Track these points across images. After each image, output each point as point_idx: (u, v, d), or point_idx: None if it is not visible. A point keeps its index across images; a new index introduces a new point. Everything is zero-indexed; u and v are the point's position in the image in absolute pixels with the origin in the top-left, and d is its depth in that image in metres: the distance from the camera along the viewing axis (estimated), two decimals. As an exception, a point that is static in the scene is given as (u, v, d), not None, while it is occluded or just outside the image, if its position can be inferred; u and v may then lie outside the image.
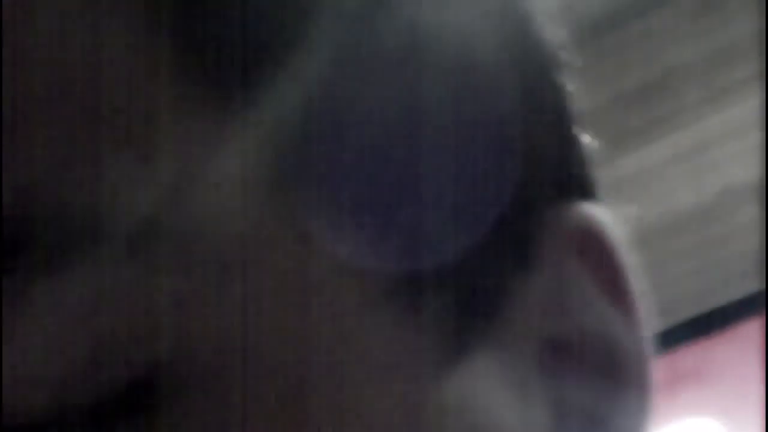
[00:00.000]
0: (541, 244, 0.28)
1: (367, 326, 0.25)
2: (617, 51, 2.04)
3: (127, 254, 0.23)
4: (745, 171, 1.94)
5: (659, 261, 1.97)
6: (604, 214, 0.30)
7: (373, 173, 0.26)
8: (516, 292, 0.27)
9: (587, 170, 0.31)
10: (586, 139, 0.32)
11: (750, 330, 1.91)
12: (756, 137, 1.93)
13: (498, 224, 0.27)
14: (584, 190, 0.31)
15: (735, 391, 1.90)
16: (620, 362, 0.29)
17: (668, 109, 2.00)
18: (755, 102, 1.94)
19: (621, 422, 0.28)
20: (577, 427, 0.28)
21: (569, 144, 0.31)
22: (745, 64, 1.95)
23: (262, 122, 0.24)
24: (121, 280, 0.23)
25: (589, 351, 0.28)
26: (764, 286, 1.87)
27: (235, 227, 0.24)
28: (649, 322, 0.30)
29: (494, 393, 0.26)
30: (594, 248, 0.29)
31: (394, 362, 0.25)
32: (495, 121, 0.28)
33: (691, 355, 1.95)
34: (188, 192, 0.24)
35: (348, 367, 0.24)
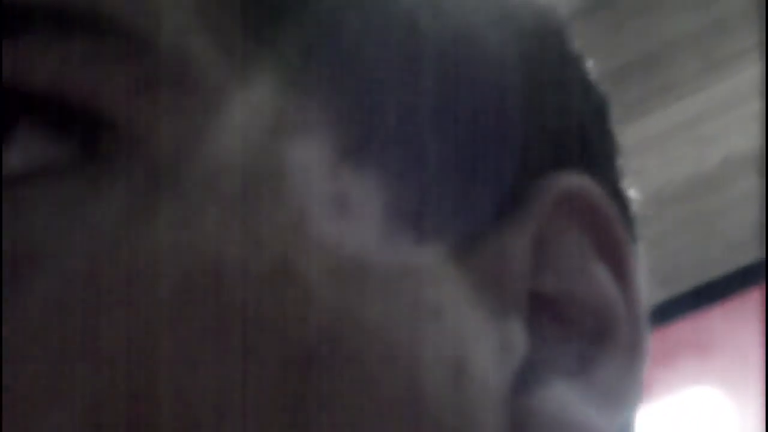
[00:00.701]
0: (531, 199, 0.30)
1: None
2: (616, 23, 2.04)
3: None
4: (746, 141, 1.94)
5: (661, 232, 1.97)
6: (602, 186, 0.31)
7: (380, 112, 0.28)
8: (502, 233, 0.29)
9: (594, 143, 0.33)
10: (600, 111, 0.33)
11: (750, 300, 1.92)
12: (756, 107, 1.93)
13: (492, 173, 0.29)
14: (588, 162, 0.32)
15: (735, 361, 1.90)
16: (610, 325, 0.29)
17: (668, 80, 1.99)
18: (755, 71, 1.93)
19: (606, 383, 0.29)
20: (557, 380, 0.29)
21: (572, 116, 0.32)
22: (743, 33, 1.95)
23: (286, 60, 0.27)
24: None
25: (578, 312, 0.29)
26: (764, 256, 1.88)
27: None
28: (646, 290, 0.31)
29: (465, 307, 0.28)
30: (587, 215, 0.30)
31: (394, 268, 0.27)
32: (497, 87, 0.30)
33: (691, 325, 1.95)
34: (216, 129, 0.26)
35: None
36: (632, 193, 0.34)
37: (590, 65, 0.33)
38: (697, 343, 1.95)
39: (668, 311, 1.95)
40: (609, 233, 0.30)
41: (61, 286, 0.24)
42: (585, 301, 0.30)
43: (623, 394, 0.29)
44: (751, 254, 1.92)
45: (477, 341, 0.28)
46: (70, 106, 0.25)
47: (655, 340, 1.97)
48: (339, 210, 0.26)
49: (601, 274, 0.30)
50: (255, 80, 0.27)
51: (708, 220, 1.97)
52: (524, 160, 0.30)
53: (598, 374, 0.29)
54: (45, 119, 0.25)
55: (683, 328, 1.95)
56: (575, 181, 0.30)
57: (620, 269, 0.30)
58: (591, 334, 0.30)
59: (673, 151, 1.99)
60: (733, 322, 1.93)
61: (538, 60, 0.32)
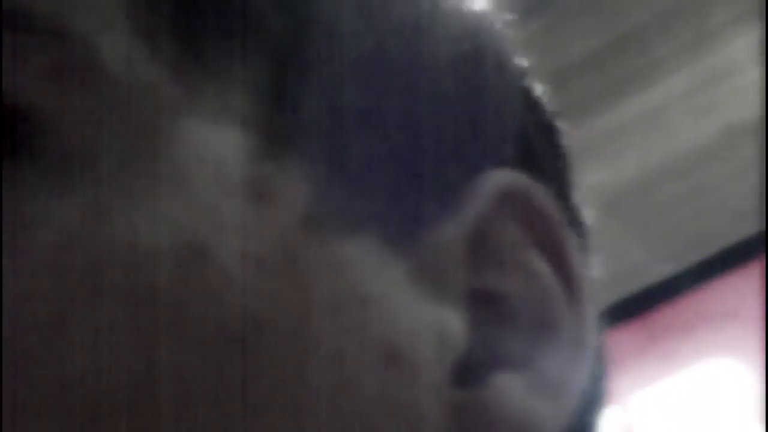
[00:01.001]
0: (470, 194, 0.30)
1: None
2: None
3: None
4: (746, 109, 1.94)
5: (661, 204, 1.99)
6: (546, 189, 0.32)
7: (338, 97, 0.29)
8: (439, 226, 0.30)
9: (537, 149, 0.33)
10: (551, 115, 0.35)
11: (750, 272, 1.95)
12: (754, 75, 1.92)
13: (431, 164, 0.30)
14: (531, 166, 0.33)
15: (738, 332, 1.95)
16: (552, 319, 0.30)
17: (666, 50, 1.96)
18: (753, 39, 1.91)
19: (550, 376, 0.30)
20: (500, 374, 0.29)
21: (511, 120, 0.33)
22: (739, 1, 1.92)
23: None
24: None
25: (519, 306, 0.30)
26: (765, 228, 1.90)
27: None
28: (593, 290, 0.32)
29: (400, 298, 0.28)
30: (527, 213, 0.31)
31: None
32: (430, 85, 0.31)
33: (694, 299, 1.99)
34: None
35: None
36: (584, 205, 0.35)
37: (534, 81, 0.35)
38: (703, 317, 1.99)
39: (670, 287, 1.99)
40: (549, 231, 0.31)
41: None
42: (526, 296, 0.30)
43: (568, 387, 0.30)
44: (751, 226, 1.94)
45: (412, 331, 0.28)
46: None
47: (661, 315, 2.01)
48: (258, 197, 0.27)
49: (542, 270, 0.31)
50: (173, 70, 0.28)
51: (709, 191, 1.98)
52: (460, 157, 0.31)
53: (541, 367, 0.30)
54: None
55: (686, 303, 1.99)
56: (515, 178, 0.31)
57: (562, 267, 0.31)
58: (533, 328, 0.30)
59: (673, 122, 1.98)
60: (734, 295, 1.97)
61: (474, 63, 0.32)
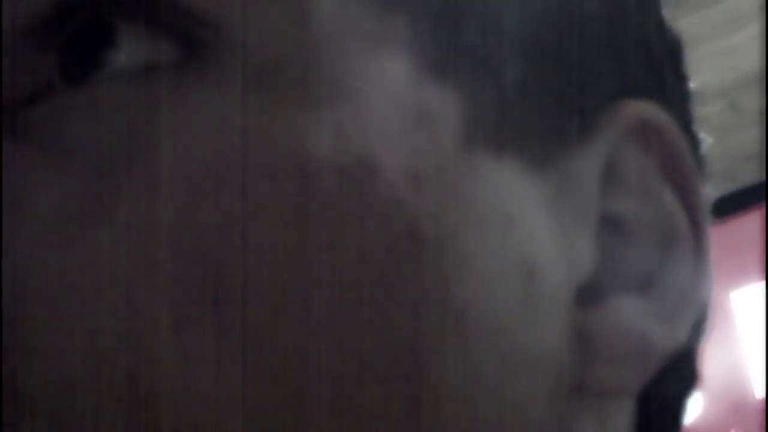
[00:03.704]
0: (605, 123, 0.32)
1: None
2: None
3: None
4: (747, 62, 1.96)
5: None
6: (674, 121, 0.33)
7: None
8: (575, 152, 0.31)
9: (668, 80, 0.35)
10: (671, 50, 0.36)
11: (748, 223, 1.98)
12: (756, 28, 1.95)
13: (574, 91, 0.31)
14: (661, 97, 0.34)
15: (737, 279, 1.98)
16: (675, 245, 0.31)
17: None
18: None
19: (671, 296, 0.31)
20: (623, 295, 0.30)
21: (648, 51, 0.34)
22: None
23: None
24: None
25: (645, 231, 0.31)
26: (765, 177, 1.93)
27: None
28: (708, 195, 0.33)
29: (537, 219, 0.30)
30: (658, 143, 0.32)
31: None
32: (577, 13, 0.32)
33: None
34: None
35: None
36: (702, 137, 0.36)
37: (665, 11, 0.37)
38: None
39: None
40: (678, 162, 0.32)
41: (162, 174, 0.26)
42: (652, 222, 0.31)
43: (686, 311, 0.31)
44: (751, 175, 1.97)
45: (547, 251, 0.29)
46: (173, 6, 0.27)
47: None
48: (420, 119, 0.28)
49: (669, 199, 0.32)
50: None
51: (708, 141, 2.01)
52: (600, 85, 0.32)
53: (661, 291, 0.31)
54: (148, 20, 0.27)
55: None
56: (648, 108, 0.32)
57: (687, 198, 0.32)
58: (656, 253, 0.31)
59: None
60: (732, 242, 1.98)
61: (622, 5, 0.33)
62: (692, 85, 0.36)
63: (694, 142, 0.35)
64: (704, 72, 1.99)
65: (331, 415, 0.26)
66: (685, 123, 0.35)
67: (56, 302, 0.25)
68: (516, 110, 0.30)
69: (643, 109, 0.32)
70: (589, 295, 0.30)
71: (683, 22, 1.91)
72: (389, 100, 0.28)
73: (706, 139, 0.36)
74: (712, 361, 1.92)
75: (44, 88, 0.27)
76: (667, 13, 0.36)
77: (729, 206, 2.00)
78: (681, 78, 0.35)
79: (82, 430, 0.25)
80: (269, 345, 0.25)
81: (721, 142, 2.07)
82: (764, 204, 1.97)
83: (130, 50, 0.27)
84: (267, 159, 0.26)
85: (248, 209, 0.26)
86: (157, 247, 0.26)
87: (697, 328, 0.33)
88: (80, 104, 0.27)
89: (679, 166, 0.32)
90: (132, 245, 0.26)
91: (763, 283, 1.95)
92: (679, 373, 0.33)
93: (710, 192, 0.34)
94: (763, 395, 1.94)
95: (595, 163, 0.31)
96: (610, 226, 0.31)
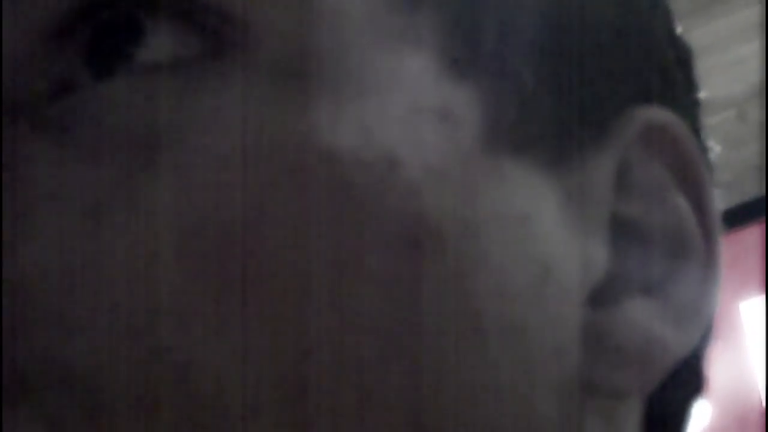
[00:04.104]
0: (619, 127, 0.32)
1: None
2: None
3: None
4: (747, 78, 1.97)
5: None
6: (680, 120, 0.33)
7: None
8: (590, 155, 0.31)
9: (678, 87, 0.35)
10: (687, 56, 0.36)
11: (751, 236, 1.99)
12: (755, 45, 1.95)
13: (590, 94, 0.32)
14: (673, 103, 0.34)
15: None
16: (686, 249, 0.32)
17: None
18: (753, 12, 1.94)
19: (682, 302, 0.31)
20: (635, 298, 0.31)
21: (658, 57, 0.35)
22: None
23: None
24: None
25: (657, 235, 0.32)
26: (765, 192, 1.94)
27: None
28: (719, 203, 0.34)
29: (552, 218, 0.30)
30: (671, 148, 0.32)
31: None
32: (593, 19, 0.32)
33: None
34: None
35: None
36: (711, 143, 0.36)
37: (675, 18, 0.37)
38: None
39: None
40: (690, 168, 0.32)
41: (190, 166, 0.27)
42: (664, 227, 0.32)
43: (696, 316, 0.31)
44: (751, 190, 1.98)
45: (561, 251, 0.30)
46: (204, 4, 0.28)
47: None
48: (441, 117, 0.28)
49: (681, 204, 0.32)
50: None
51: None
52: (615, 90, 0.32)
53: (673, 296, 0.31)
54: (173, 15, 0.28)
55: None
56: (661, 114, 0.32)
57: (699, 204, 0.32)
58: (668, 257, 0.32)
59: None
60: (733, 257, 1.99)
61: (629, 2, 0.34)
62: (702, 94, 0.37)
63: (704, 147, 0.36)
64: (712, 82, 2.00)
65: (343, 405, 0.26)
66: (695, 131, 0.35)
67: (93, 285, 0.26)
68: (533, 113, 0.30)
69: (657, 114, 0.32)
70: (601, 296, 0.31)
71: (693, 34, 1.91)
72: (412, 97, 0.28)
73: (714, 148, 0.36)
74: (720, 371, 1.93)
75: (68, 83, 0.28)
76: (679, 25, 0.37)
77: (735, 217, 2.00)
78: (691, 86, 0.36)
79: (110, 406, 0.26)
80: (294, 332, 0.26)
81: (728, 152, 2.07)
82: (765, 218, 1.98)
83: (157, 45, 0.28)
84: (291, 152, 0.27)
85: (273, 201, 0.27)
86: (185, 237, 0.26)
87: (705, 334, 0.33)
88: (108, 98, 0.27)
89: (692, 173, 0.32)
90: (161, 234, 0.26)
91: (764, 297, 1.96)
92: (686, 379, 0.34)
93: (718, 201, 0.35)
94: (770, 406, 1.95)
95: (609, 167, 0.31)
96: (623, 229, 0.32)
